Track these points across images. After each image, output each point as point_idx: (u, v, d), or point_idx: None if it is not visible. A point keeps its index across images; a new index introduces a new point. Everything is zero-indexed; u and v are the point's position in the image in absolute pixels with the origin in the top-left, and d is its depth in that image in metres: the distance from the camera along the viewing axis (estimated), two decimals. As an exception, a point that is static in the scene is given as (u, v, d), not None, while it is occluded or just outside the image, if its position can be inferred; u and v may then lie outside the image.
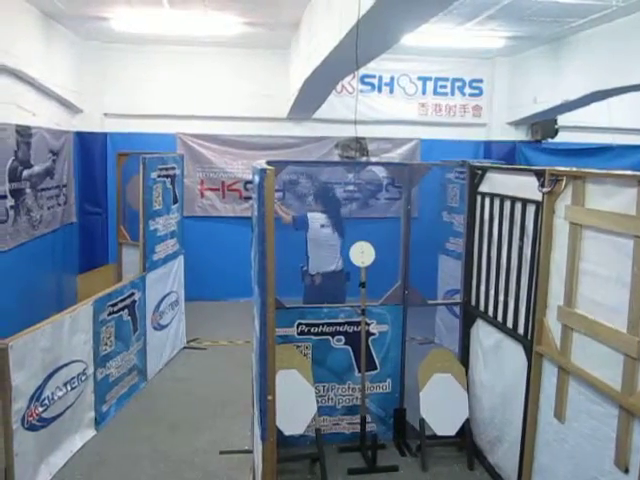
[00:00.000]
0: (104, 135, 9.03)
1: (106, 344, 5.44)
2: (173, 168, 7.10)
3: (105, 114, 9.00)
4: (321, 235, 6.25)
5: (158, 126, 8.99)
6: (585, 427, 3.61)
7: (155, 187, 6.59)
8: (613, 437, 3.34)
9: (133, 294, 6.05)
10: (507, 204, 4.60)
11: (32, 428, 4.37)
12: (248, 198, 9.10)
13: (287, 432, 4.57)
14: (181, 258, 7.42)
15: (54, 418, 4.67)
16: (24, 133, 6.77)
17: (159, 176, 6.68)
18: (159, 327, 6.76)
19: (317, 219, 6.35)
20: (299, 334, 5.04)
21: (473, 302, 5.20)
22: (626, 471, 3.25)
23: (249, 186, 9.07)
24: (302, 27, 7.09)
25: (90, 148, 8.97)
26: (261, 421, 3.42)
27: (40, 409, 4.46)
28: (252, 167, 4.00)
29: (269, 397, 3.12)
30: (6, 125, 6.31)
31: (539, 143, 9.52)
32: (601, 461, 3.43)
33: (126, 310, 5.86)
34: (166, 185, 6.87)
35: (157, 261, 6.69)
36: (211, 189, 9.42)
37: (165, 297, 6.93)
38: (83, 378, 5.09)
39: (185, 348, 7.41)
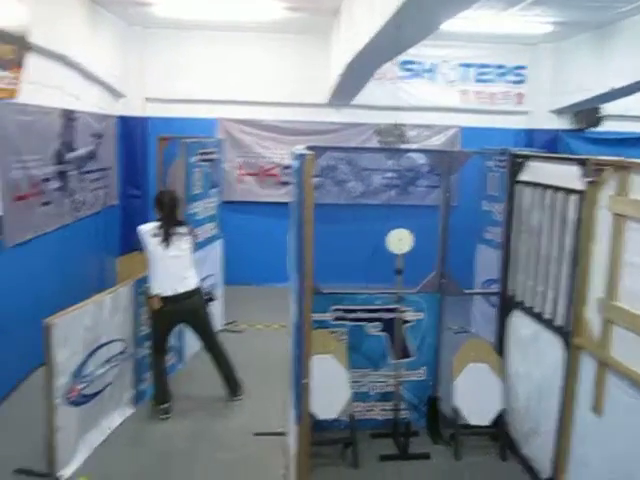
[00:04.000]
0: (146, 119, 9.15)
1: (144, 325, 5.55)
2: (213, 153, 7.16)
3: (147, 99, 9.12)
4: (155, 249, 5.29)
5: (199, 111, 9.08)
6: (623, 422, 3.56)
7: (195, 171, 6.66)
8: (652, 432, 3.30)
9: (172, 276, 6.12)
10: (548, 194, 4.53)
11: (74, 404, 4.51)
12: (286, 183, 9.13)
13: (321, 416, 4.61)
14: (219, 242, 7.50)
15: (95, 395, 4.80)
16: (69, 117, 6.90)
17: (199, 160, 6.75)
18: (197, 309, 6.84)
19: (148, 230, 5.34)
20: (335, 320, 5.07)
21: (511, 292, 5.15)
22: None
23: (287, 171, 9.10)
24: (343, 12, 7.05)
25: (132, 132, 9.11)
26: (296, 404, 3.46)
27: (81, 386, 4.59)
28: (291, 152, 4.01)
29: (304, 381, 3.15)
30: (52, 109, 6.45)
31: (582, 132, 9.32)
32: (638, 456, 3.38)
33: (164, 292, 5.94)
34: (206, 169, 6.94)
35: (195, 244, 6.76)
36: (250, 174, 9.49)
37: (203, 280, 7.00)
38: (123, 357, 5.21)
39: (222, 331, 7.50)
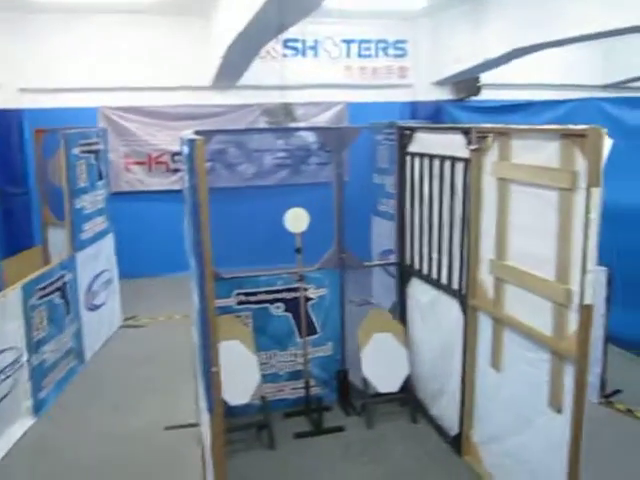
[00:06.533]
0: (20, 112, 8.60)
1: (38, 329, 5.27)
2: (96, 143, 6.87)
3: (21, 89, 8.56)
4: None
5: (77, 100, 8.62)
6: (520, 373, 3.77)
7: (78, 164, 6.36)
8: (546, 381, 3.51)
9: (63, 276, 5.87)
10: (436, 163, 4.67)
11: (-33, 420, 4.23)
12: (176, 170, 8.92)
13: (232, 402, 4.57)
14: (111, 235, 7.24)
15: (-11, 409, 4.53)
16: None
17: (82, 152, 6.44)
18: (93, 307, 6.61)
19: None
20: (238, 304, 5.03)
21: (408, 261, 5.30)
22: (559, 411, 3.43)
23: (177, 158, 8.88)
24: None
25: (6, 126, 8.54)
26: (206, 394, 3.41)
27: (-26, 400, 4.31)
28: (180, 138, 3.91)
29: (213, 369, 3.11)
30: None
31: (463, 101, 9.66)
32: (536, 404, 3.60)
33: (57, 293, 5.69)
34: (90, 161, 6.64)
35: (86, 240, 6.49)
36: (137, 163, 9.17)
37: (97, 277, 6.76)
38: (17, 366, 4.92)
39: (122, 327, 7.28)
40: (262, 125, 9.30)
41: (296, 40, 9.11)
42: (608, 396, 5.26)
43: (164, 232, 8.55)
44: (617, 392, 5.30)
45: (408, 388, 5.11)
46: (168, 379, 5.80)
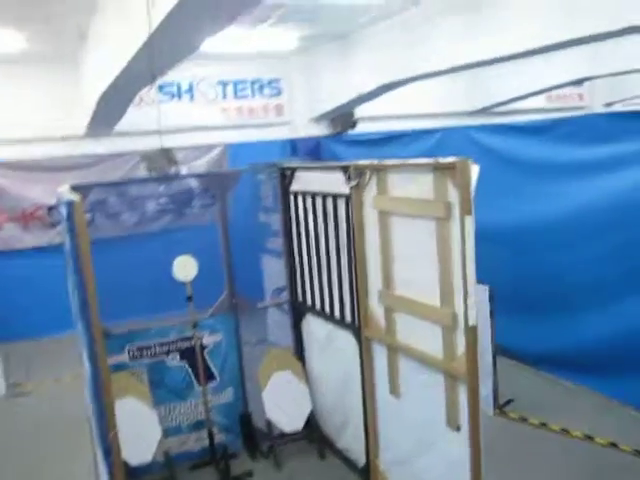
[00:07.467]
0: None
1: None
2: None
3: None
4: None
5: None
6: (418, 397, 3.90)
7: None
8: (443, 401, 3.64)
9: None
10: (319, 200, 4.77)
11: None
12: (54, 224, 8.52)
13: (134, 462, 4.38)
14: (-13, 299, 6.80)
15: None
16: None
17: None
18: (-29, 379, 6.15)
19: None
20: (131, 359, 4.85)
21: (300, 298, 5.34)
22: (457, 429, 3.56)
23: (53, 212, 8.48)
24: (91, 37, 6.73)
25: None
26: (105, 458, 3.27)
27: None
28: (56, 197, 3.78)
29: (112, 433, 2.99)
30: None
31: (340, 135, 9.95)
32: (436, 425, 3.72)
33: None
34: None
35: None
36: (10, 219, 8.68)
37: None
38: None
39: (6, 396, 6.79)
40: (142, 172, 9.08)
41: (171, 84, 9.07)
42: (502, 407, 5.53)
43: (46, 290, 8.14)
44: (510, 401, 5.59)
45: (313, 424, 5.12)
46: (62, 447, 5.46)
